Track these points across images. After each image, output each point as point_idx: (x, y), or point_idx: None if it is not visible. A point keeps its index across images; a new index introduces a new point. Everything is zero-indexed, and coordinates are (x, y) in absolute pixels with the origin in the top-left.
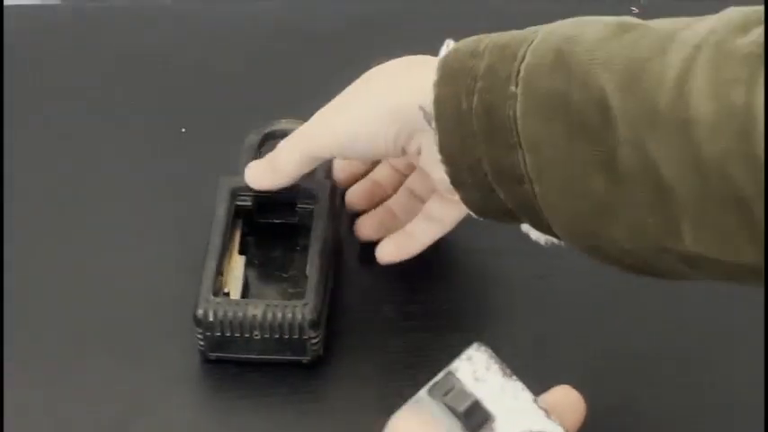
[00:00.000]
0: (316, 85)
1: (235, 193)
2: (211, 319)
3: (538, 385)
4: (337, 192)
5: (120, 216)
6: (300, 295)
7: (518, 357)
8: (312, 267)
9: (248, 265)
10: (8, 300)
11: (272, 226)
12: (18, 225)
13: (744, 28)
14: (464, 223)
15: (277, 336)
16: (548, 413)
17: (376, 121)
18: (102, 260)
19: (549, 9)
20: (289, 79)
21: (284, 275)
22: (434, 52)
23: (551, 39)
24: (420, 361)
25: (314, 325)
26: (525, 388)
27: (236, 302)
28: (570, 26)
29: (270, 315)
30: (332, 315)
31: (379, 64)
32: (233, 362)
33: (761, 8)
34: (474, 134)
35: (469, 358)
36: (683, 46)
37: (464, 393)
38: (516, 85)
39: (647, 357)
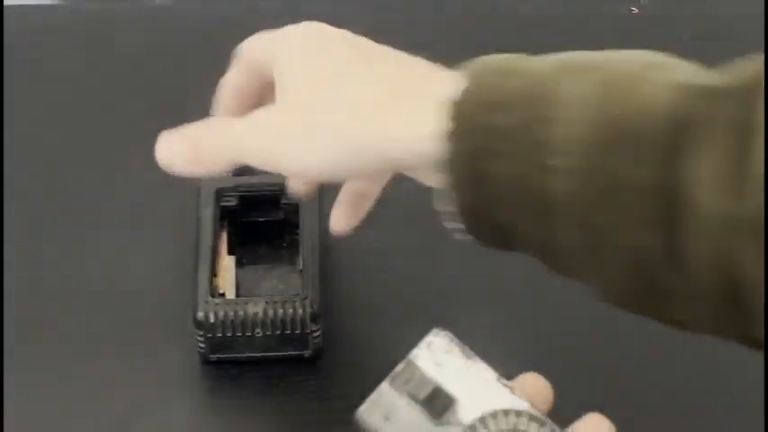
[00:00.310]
0: None
1: (220, 194)
2: (212, 320)
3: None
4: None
5: (120, 216)
6: (293, 291)
7: (517, 357)
8: (307, 261)
9: (237, 264)
10: (8, 300)
11: (257, 224)
12: (17, 225)
13: None
14: None
15: (278, 332)
16: (512, 390)
17: (349, 166)
18: (101, 260)
19: (548, 9)
20: None
21: (274, 272)
22: (433, 52)
23: (603, 102)
24: None
25: (315, 318)
26: (488, 368)
27: (236, 302)
28: (622, 84)
29: (270, 312)
30: (329, 308)
31: None
32: (232, 362)
33: None
34: (500, 198)
35: (429, 345)
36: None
37: (425, 380)
38: (560, 157)
39: (647, 357)
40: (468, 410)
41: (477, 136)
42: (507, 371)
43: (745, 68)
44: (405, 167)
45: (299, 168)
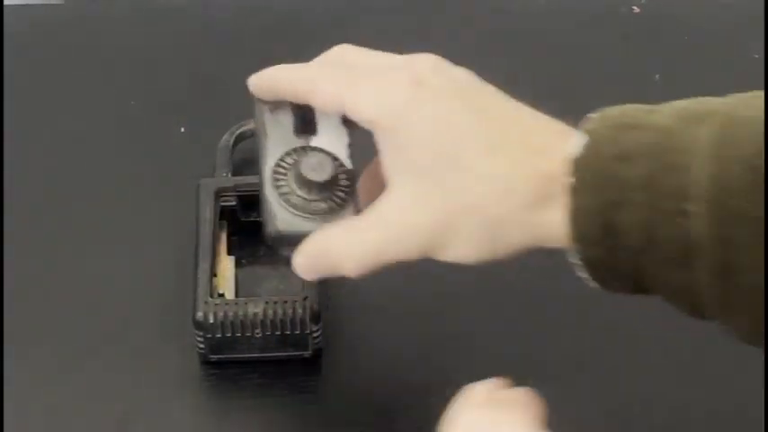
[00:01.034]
0: None
1: (218, 194)
2: (212, 321)
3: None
4: None
5: (120, 216)
6: (293, 291)
7: (516, 356)
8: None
9: (237, 264)
10: (8, 300)
11: (257, 224)
12: (17, 225)
13: None
14: None
15: (278, 332)
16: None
17: (498, 253)
18: (100, 260)
19: (548, 9)
20: None
21: (274, 272)
22: (432, 52)
23: (735, 146)
24: (420, 359)
25: (315, 319)
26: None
27: (236, 302)
28: (750, 127)
29: (270, 312)
30: (329, 308)
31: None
32: (232, 362)
33: None
34: (630, 248)
35: None
36: None
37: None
38: (693, 202)
39: (648, 357)
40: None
41: (600, 188)
42: (506, 368)
43: None
44: (545, 246)
45: (456, 261)
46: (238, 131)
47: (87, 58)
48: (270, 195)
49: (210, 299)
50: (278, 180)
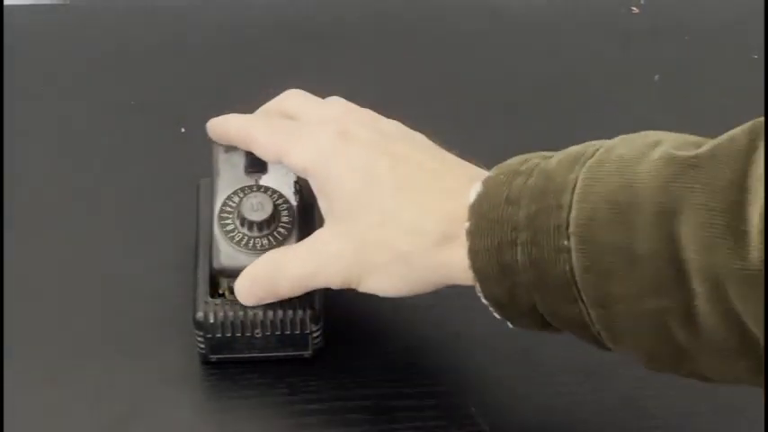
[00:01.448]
0: (316, 83)
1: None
2: (212, 321)
3: (538, 384)
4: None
5: (120, 216)
6: None
7: (516, 355)
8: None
9: None
10: (8, 300)
11: None
12: (17, 225)
13: None
14: None
15: (278, 332)
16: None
17: (416, 289)
18: (101, 260)
19: (548, 9)
20: (289, 79)
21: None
22: (434, 52)
23: (599, 184)
24: (420, 359)
25: (315, 319)
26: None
27: (236, 302)
28: (616, 166)
29: (270, 312)
30: (329, 308)
31: (380, 62)
32: (232, 362)
33: None
34: (523, 285)
35: None
36: (762, 193)
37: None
38: (568, 239)
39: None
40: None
41: (492, 230)
42: (506, 368)
43: (735, 136)
44: (455, 282)
45: (375, 292)
46: None
47: (87, 58)
48: (216, 232)
49: (211, 299)
50: (224, 219)
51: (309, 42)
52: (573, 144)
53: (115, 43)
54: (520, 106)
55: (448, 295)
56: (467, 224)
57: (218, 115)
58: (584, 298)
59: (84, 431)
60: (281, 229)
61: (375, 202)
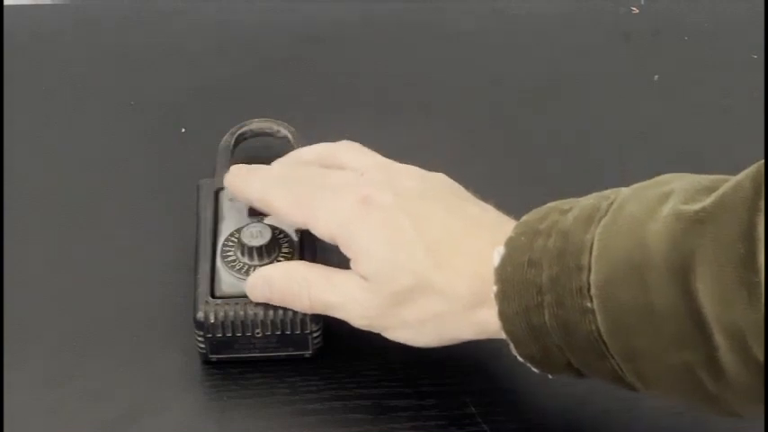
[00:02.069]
0: (316, 84)
1: (218, 194)
2: (212, 320)
3: (538, 384)
4: None
5: (120, 216)
6: None
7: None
8: (308, 261)
9: None
10: (8, 300)
11: None
12: (18, 225)
13: None
14: None
15: (278, 332)
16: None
17: (445, 343)
18: (101, 260)
19: (548, 9)
20: (289, 78)
21: None
22: (434, 52)
23: (614, 246)
24: (420, 359)
25: (315, 319)
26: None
27: (236, 302)
28: (628, 225)
29: (270, 312)
30: None
31: (380, 63)
32: (233, 362)
33: None
34: (555, 345)
35: None
36: None
37: None
38: (591, 301)
39: None
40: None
41: (519, 294)
42: (506, 368)
43: (740, 184)
44: (487, 337)
45: (402, 341)
46: (239, 132)
47: (87, 58)
48: (219, 264)
49: (211, 298)
50: (226, 251)
51: (309, 43)
52: (572, 144)
53: (115, 43)
54: (520, 106)
55: None
56: (494, 288)
57: (216, 115)
58: (614, 354)
59: (84, 431)
60: (281, 258)
61: (404, 263)
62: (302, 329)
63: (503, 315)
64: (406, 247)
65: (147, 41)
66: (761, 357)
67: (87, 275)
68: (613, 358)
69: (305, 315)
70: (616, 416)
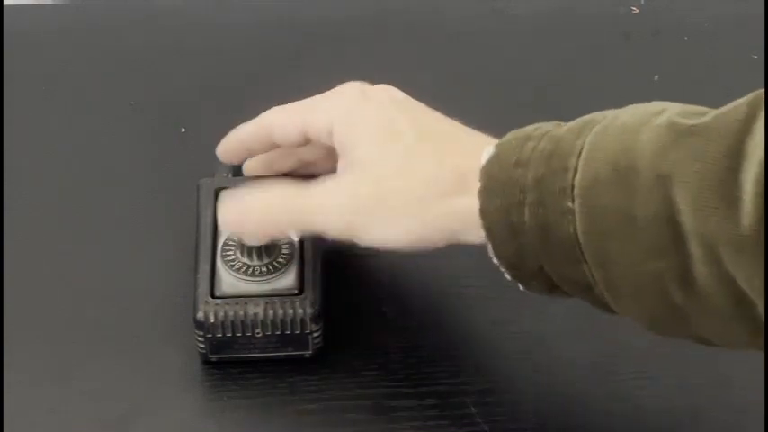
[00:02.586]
0: (316, 84)
1: (218, 194)
2: (212, 320)
3: (538, 384)
4: None
5: (120, 216)
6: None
7: (517, 356)
8: (307, 261)
9: None
10: (8, 300)
11: None
12: (17, 225)
13: None
14: None
15: (279, 332)
16: None
17: (424, 240)
18: (101, 260)
19: (548, 8)
20: (289, 78)
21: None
22: (433, 52)
23: (603, 149)
24: (420, 359)
25: (315, 318)
26: None
27: (236, 302)
28: (619, 132)
29: (271, 312)
30: (329, 308)
31: (380, 62)
32: (233, 362)
33: None
34: (531, 246)
35: None
36: (757, 160)
37: None
38: (572, 201)
39: (648, 357)
40: None
41: (502, 191)
42: (506, 367)
43: (737, 106)
44: (465, 238)
45: (380, 242)
46: None
47: (87, 58)
48: (219, 264)
49: (211, 298)
50: (226, 251)
51: (309, 42)
52: None
53: (115, 43)
54: (519, 106)
55: (448, 295)
56: (479, 185)
57: (216, 115)
58: (588, 258)
59: (84, 431)
60: (281, 259)
61: (394, 153)
62: (302, 329)
63: (483, 211)
64: (399, 138)
65: (147, 41)
66: (732, 271)
67: (87, 275)
68: (586, 262)
69: (305, 315)
70: (616, 416)
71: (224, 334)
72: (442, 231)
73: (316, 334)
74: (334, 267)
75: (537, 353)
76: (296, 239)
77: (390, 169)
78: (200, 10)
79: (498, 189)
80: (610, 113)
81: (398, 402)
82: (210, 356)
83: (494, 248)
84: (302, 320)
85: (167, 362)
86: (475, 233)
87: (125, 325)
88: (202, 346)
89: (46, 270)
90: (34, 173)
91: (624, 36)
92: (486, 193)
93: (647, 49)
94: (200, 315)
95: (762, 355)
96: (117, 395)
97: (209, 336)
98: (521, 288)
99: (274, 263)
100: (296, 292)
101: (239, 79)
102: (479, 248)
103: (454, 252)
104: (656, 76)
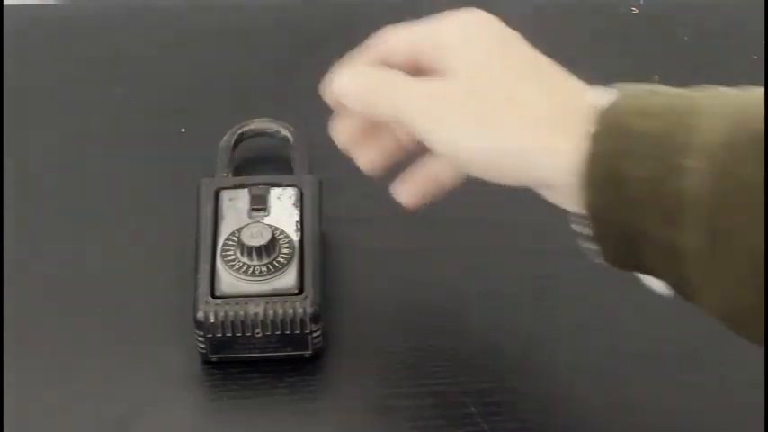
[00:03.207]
0: (316, 84)
1: (218, 194)
2: (212, 320)
3: (538, 384)
4: (321, 186)
5: (120, 216)
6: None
7: (517, 356)
8: (307, 261)
9: None
10: (8, 300)
11: None
12: (17, 225)
13: None
14: (466, 221)
15: (278, 332)
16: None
17: (494, 163)
18: (101, 260)
19: (548, 8)
20: (289, 78)
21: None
22: None
23: (746, 118)
24: (420, 359)
25: (315, 318)
26: None
27: (236, 302)
28: (761, 102)
29: (271, 312)
30: (329, 308)
31: None
32: (233, 362)
33: None
34: (631, 200)
35: None
36: None
37: None
38: (691, 159)
39: (648, 357)
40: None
41: (617, 138)
42: (506, 367)
43: None
44: (543, 182)
45: (451, 144)
46: (239, 131)
47: (87, 58)
48: (219, 263)
49: (211, 298)
50: (226, 251)
51: (309, 42)
52: None
53: (115, 43)
54: None
55: (448, 295)
56: (590, 126)
57: (216, 115)
58: (694, 224)
59: (84, 431)
60: (281, 259)
61: (501, 70)
62: (302, 329)
63: (593, 156)
64: (509, 60)
65: (146, 41)
66: None
67: (87, 275)
68: (689, 226)
69: (305, 315)
70: (616, 415)
71: (224, 334)
72: (521, 161)
73: (316, 334)
74: (334, 267)
75: (537, 353)
76: (296, 239)
77: (493, 83)
78: (200, 10)
79: (610, 134)
80: (731, 89)
81: (398, 402)
82: (211, 356)
83: (585, 196)
84: (302, 320)
85: (167, 362)
86: (557, 176)
87: (125, 325)
88: (202, 345)
89: (45, 270)
90: (34, 173)
91: (624, 36)
92: (595, 137)
93: (647, 49)
94: (200, 315)
95: (762, 355)
96: (117, 395)
97: (210, 336)
98: (593, 248)
99: (274, 263)
100: (296, 292)
101: (239, 79)
102: (481, 247)
103: (454, 252)
104: (656, 76)
